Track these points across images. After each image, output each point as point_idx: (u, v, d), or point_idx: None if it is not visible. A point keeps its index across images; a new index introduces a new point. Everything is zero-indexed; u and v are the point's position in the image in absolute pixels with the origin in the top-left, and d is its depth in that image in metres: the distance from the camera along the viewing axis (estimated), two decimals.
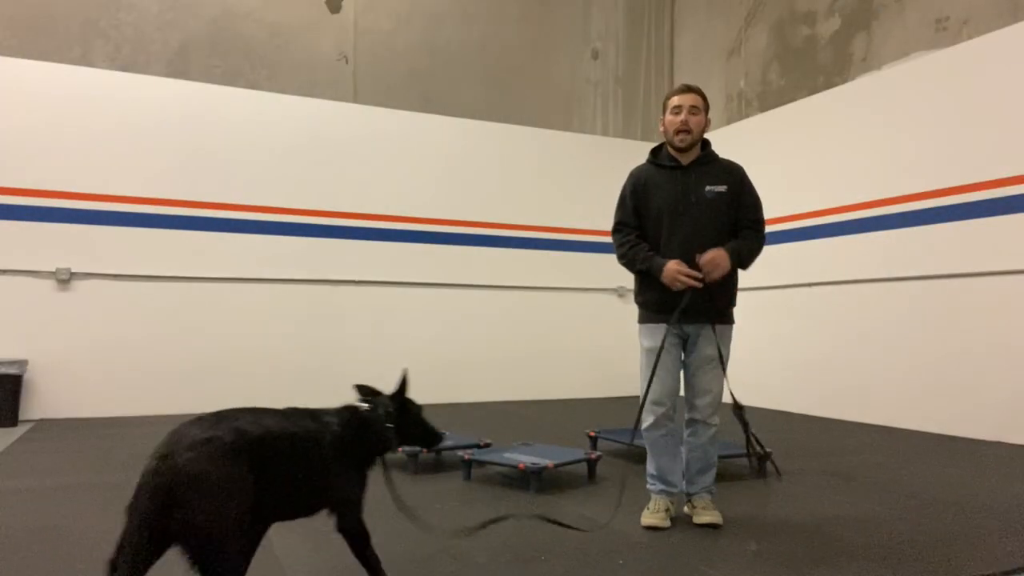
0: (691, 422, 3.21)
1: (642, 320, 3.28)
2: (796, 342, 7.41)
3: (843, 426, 6.40)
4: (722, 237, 3.12)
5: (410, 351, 7.64)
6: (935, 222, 6.20)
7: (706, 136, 3.25)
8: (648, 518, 3.17)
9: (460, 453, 4.20)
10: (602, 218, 9.02)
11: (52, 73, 6.73)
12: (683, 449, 3.26)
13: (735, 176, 3.19)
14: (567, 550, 2.82)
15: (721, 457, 4.22)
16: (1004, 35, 5.79)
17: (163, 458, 1.79)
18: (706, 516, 3.14)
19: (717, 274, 3.02)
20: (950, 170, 6.11)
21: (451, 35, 8.59)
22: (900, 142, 6.57)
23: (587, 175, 9.05)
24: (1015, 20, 5.76)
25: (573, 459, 4.11)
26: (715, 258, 3.01)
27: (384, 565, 2.29)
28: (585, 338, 8.77)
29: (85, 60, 6.95)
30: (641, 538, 2.99)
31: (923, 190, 6.32)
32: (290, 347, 7.40)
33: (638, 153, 9.80)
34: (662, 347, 3.10)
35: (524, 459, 3.95)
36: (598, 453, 4.26)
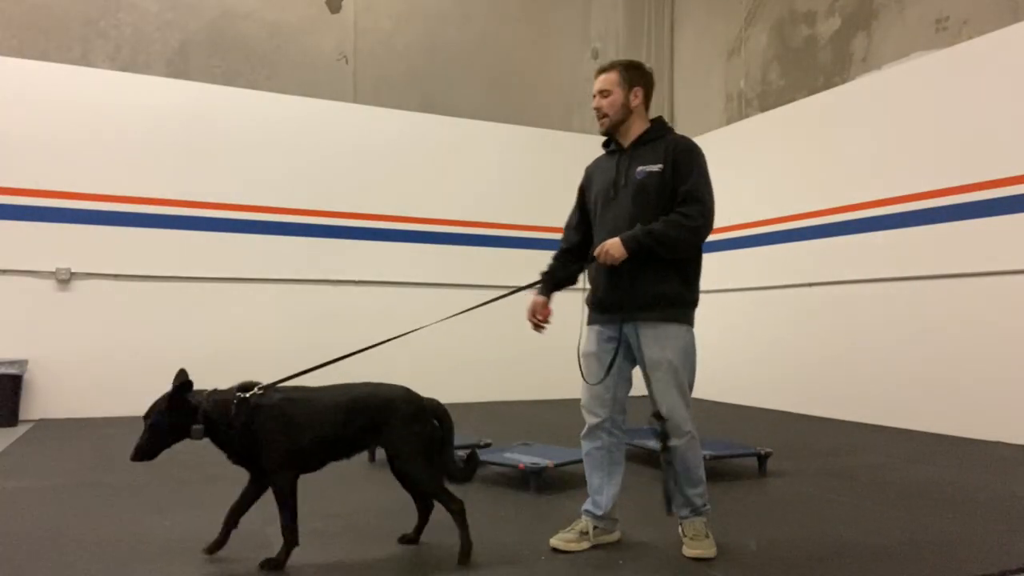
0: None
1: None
2: (796, 342, 7.40)
3: (843, 426, 6.40)
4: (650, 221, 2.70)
5: (410, 351, 7.63)
6: (935, 222, 6.20)
7: (664, 120, 2.94)
8: (555, 538, 2.81)
9: (460, 453, 4.19)
10: None
11: (52, 73, 6.73)
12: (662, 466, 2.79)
13: (674, 152, 2.74)
14: (567, 550, 2.81)
15: (721, 457, 4.24)
16: (1004, 35, 5.79)
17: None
18: (695, 549, 2.71)
19: (609, 262, 2.69)
20: (950, 170, 6.11)
21: (451, 35, 8.59)
22: (900, 142, 6.57)
23: None
24: (1015, 20, 5.76)
25: (573, 459, 4.10)
26: (603, 247, 2.69)
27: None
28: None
29: (85, 60, 6.95)
30: (641, 538, 2.99)
31: (923, 190, 6.32)
32: (290, 347, 7.39)
33: None
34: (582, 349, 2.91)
35: (524, 459, 3.95)
36: None
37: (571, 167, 9.46)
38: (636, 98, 2.83)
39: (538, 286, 3.01)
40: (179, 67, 7.32)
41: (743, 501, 3.64)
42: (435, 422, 2.69)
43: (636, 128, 2.86)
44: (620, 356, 2.81)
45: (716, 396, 8.38)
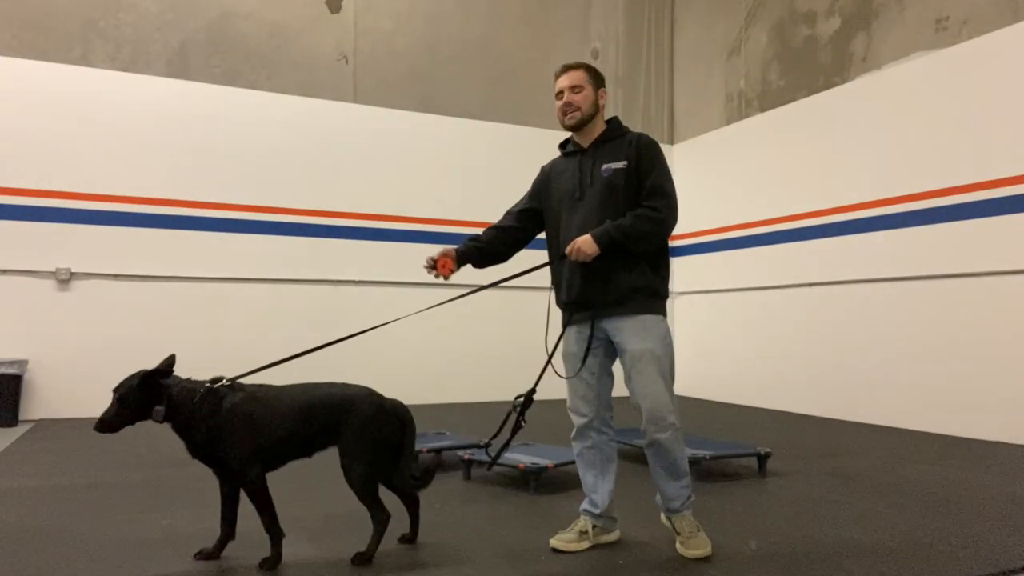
0: (643, 433, 2.74)
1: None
2: (796, 342, 7.40)
3: (843, 426, 6.40)
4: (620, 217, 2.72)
5: (410, 351, 7.64)
6: (935, 222, 6.20)
7: (617, 118, 3.00)
8: (555, 539, 2.81)
9: (460, 453, 4.20)
10: None
11: (52, 73, 6.73)
12: (649, 462, 2.82)
13: (637, 148, 2.79)
14: (567, 550, 2.81)
15: (721, 457, 4.25)
16: (1004, 35, 5.79)
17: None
18: (693, 549, 2.70)
19: (581, 259, 2.70)
20: (950, 170, 6.11)
21: (451, 35, 8.59)
22: (900, 142, 6.57)
23: None
24: (1015, 20, 5.76)
25: (573, 459, 4.10)
26: (574, 244, 2.70)
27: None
28: None
29: (85, 60, 6.95)
30: (641, 538, 2.99)
31: (923, 190, 6.32)
32: (290, 347, 7.37)
33: None
34: (555, 348, 2.97)
35: (524, 459, 3.95)
36: None
37: None
38: (602, 98, 2.91)
39: (458, 246, 3.02)
40: (179, 67, 7.32)
41: (743, 501, 3.64)
42: (396, 424, 2.68)
43: (597, 128, 2.92)
44: (602, 352, 2.85)
45: (716, 396, 8.38)
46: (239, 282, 7.33)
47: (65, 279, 6.67)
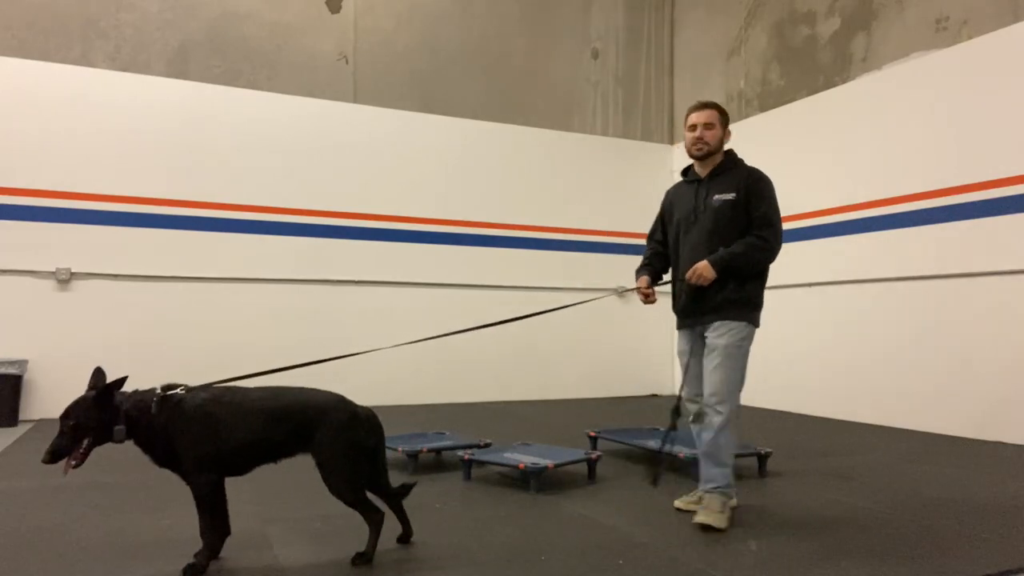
0: (700, 415, 3.30)
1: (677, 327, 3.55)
2: (796, 342, 7.40)
3: (843, 426, 6.40)
4: (728, 244, 3.20)
5: (410, 351, 7.62)
6: (935, 222, 6.20)
7: (731, 147, 3.42)
8: (678, 501, 3.41)
9: (460, 453, 4.20)
10: (603, 218, 9.08)
11: (52, 73, 6.73)
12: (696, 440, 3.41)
13: (746, 182, 3.25)
14: (567, 550, 2.82)
15: None
16: (1004, 35, 5.79)
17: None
18: (704, 516, 3.10)
19: (702, 283, 3.20)
20: (950, 170, 6.11)
21: (451, 35, 8.59)
22: (900, 142, 6.57)
23: (587, 175, 9.06)
24: (1015, 20, 5.76)
25: (573, 459, 4.11)
26: (695, 269, 3.20)
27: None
28: (585, 338, 8.76)
29: (85, 60, 6.95)
30: (641, 538, 2.99)
31: (923, 190, 6.32)
32: (290, 347, 7.39)
33: (638, 153, 9.83)
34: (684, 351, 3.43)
35: (524, 459, 3.95)
36: (598, 453, 4.26)
37: (571, 167, 9.54)
38: (728, 137, 3.38)
39: (641, 270, 3.58)
40: (179, 67, 7.32)
41: (743, 501, 3.64)
42: (369, 430, 2.64)
43: (716, 160, 3.36)
44: (705, 351, 3.31)
45: None
46: (239, 282, 7.33)
47: (65, 279, 6.67)
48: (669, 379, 9.31)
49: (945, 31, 6.33)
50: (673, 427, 3.14)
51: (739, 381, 3.24)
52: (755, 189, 3.24)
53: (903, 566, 2.65)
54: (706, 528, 3.06)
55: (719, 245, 3.20)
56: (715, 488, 3.19)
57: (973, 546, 2.89)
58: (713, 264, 3.16)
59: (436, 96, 8.42)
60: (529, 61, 8.99)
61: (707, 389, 3.23)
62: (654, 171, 9.37)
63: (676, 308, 3.44)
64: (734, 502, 3.33)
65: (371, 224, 7.94)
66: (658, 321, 9.33)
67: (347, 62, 8.06)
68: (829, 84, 7.46)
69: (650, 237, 3.68)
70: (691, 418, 3.39)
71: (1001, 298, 5.66)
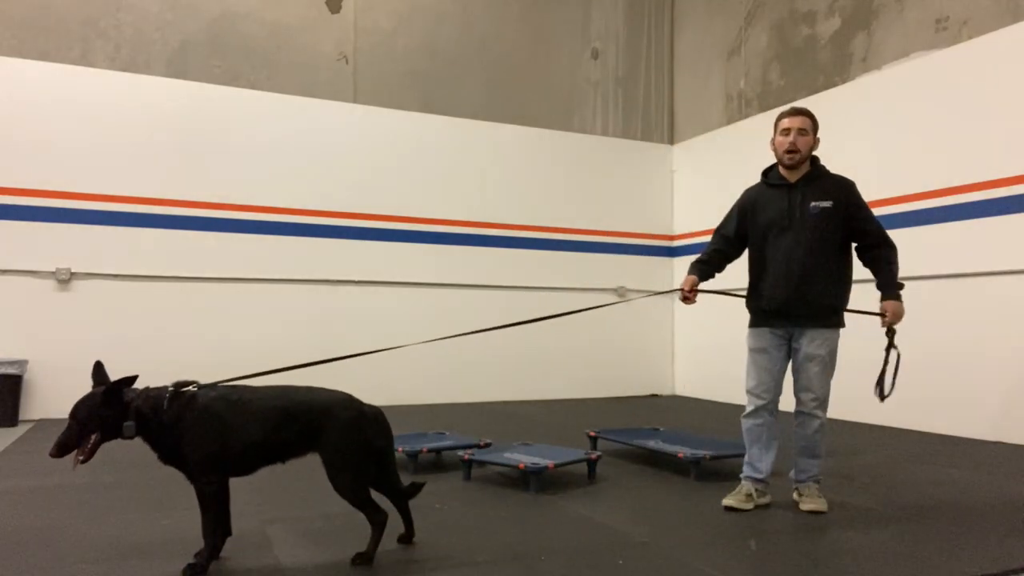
0: (797, 414, 3.49)
1: (750, 324, 3.65)
2: None
3: (843, 426, 6.40)
4: (825, 251, 3.33)
5: (410, 351, 7.62)
6: (934, 222, 6.20)
7: (815, 153, 3.50)
8: (728, 499, 3.45)
9: (460, 453, 4.20)
10: (603, 217, 9.08)
11: (52, 73, 6.74)
12: (792, 438, 3.54)
13: (843, 191, 3.36)
14: (567, 550, 2.82)
15: (721, 457, 4.25)
16: (1004, 35, 5.79)
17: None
18: (810, 503, 3.35)
19: (900, 320, 3.35)
20: (950, 170, 6.10)
21: (451, 35, 8.59)
22: (900, 142, 6.57)
23: (587, 175, 9.06)
24: (1015, 20, 5.76)
25: (573, 459, 4.11)
26: (895, 312, 3.34)
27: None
28: (585, 338, 8.76)
29: (85, 60, 6.95)
30: (642, 538, 2.99)
31: (923, 190, 6.32)
32: (290, 347, 7.39)
33: (638, 153, 9.82)
34: (760, 348, 3.57)
35: (524, 459, 3.95)
36: (598, 453, 4.26)
37: (571, 167, 9.53)
38: (817, 143, 3.45)
39: (693, 268, 3.63)
40: (179, 67, 7.32)
41: None
42: (376, 430, 2.63)
43: (805, 167, 3.44)
44: (786, 351, 3.53)
45: (717, 396, 8.39)
46: (239, 282, 7.32)
47: (65, 279, 6.67)
48: (669, 379, 9.31)
49: (945, 31, 6.33)
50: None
51: (829, 381, 3.48)
52: (855, 198, 3.38)
53: (903, 566, 2.65)
54: (815, 513, 3.30)
55: (815, 253, 3.31)
56: (810, 477, 3.42)
57: (973, 546, 2.89)
58: (898, 299, 3.32)
59: (436, 96, 8.42)
60: (529, 61, 8.99)
61: (808, 393, 3.44)
62: (654, 171, 9.37)
63: (762, 306, 3.52)
64: (767, 499, 3.51)
65: (371, 224, 7.94)
66: (658, 321, 9.34)
67: (347, 62, 8.06)
68: (829, 84, 7.46)
69: (718, 231, 3.70)
70: (749, 411, 3.55)
71: (1002, 298, 5.66)
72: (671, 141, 9.62)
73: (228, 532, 2.65)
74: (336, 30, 8.02)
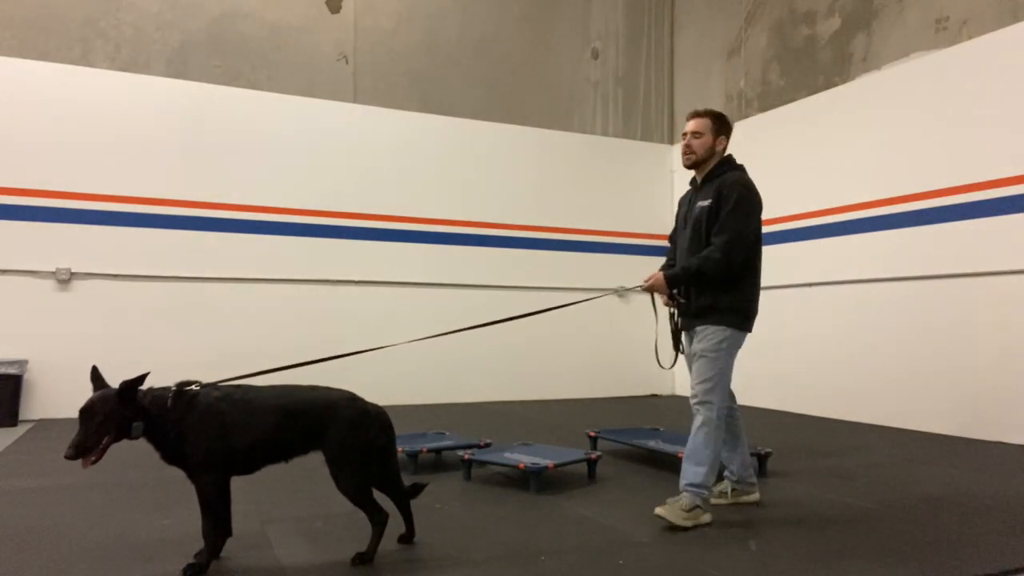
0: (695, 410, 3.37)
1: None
2: (796, 342, 7.40)
3: (843, 426, 6.40)
4: (703, 250, 3.30)
5: (410, 351, 7.61)
6: (935, 222, 6.20)
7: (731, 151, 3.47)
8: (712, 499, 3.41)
9: (460, 453, 4.20)
10: (603, 217, 9.08)
11: (52, 73, 6.74)
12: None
13: (722, 190, 3.27)
14: (567, 550, 2.82)
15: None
16: (1004, 35, 5.79)
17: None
18: (663, 509, 3.12)
19: (657, 291, 3.43)
20: (950, 170, 6.11)
21: (451, 35, 8.59)
22: (900, 142, 6.57)
23: (587, 175, 9.06)
24: (1015, 20, 5.76)
25: (573, 459, 4.12)
26: (658, 281, 3.36)
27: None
28: (585, 338, 8.77)
29: (85, 60, 6.95)
30: (642, 538, 2.99)
31: (923, 190, 6.32)
32: (290, 347, 7.39)
33: (638, 153, 9.83)
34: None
35: (524, 459, 3.95)
36: (598, 453, 4.26)
37: (571, 167, 9.52)
38: (720, 144, 3.40)
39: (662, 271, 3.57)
40: (179, 67, 7.32)
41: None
42: (379, 428, 2.63)
43: (708, 167, 3.40)
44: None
45: None
46: (239, 282, 7.32)
47: (65, 279, 6.67)
48: (669, 379, 9.31)
49: (945, 31, 6.33)
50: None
51: (716, 384, 3.26)
52: (725, 195, 3.24)
53: (903, 566, 2.65)
54: (673, 528, 3.06)
55: (696, 250, 3.30)
56: (687, 485, 3.17)
57: (973, 546, 2.89)
58: (668, 281, 3.33)
59: (436, 96, 8.43)
60: (529, 61, 8.99)
61: (690, 391, 3.35)
62: (654, 171, 9.37)
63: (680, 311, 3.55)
64: (755, 496, 3.51)
65: (371, 224, 7.94)
66: (658, 321, 9.34)
67: (347, 62, 8.06)
68: (829, 84, 7.46)
69: (670, 240, 3.82)
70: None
71: (1001, 298, 5.66)
72: (671, 141, 9.62)
73: (229, 532, 2.65)
74: (336, 30, 8.02)
